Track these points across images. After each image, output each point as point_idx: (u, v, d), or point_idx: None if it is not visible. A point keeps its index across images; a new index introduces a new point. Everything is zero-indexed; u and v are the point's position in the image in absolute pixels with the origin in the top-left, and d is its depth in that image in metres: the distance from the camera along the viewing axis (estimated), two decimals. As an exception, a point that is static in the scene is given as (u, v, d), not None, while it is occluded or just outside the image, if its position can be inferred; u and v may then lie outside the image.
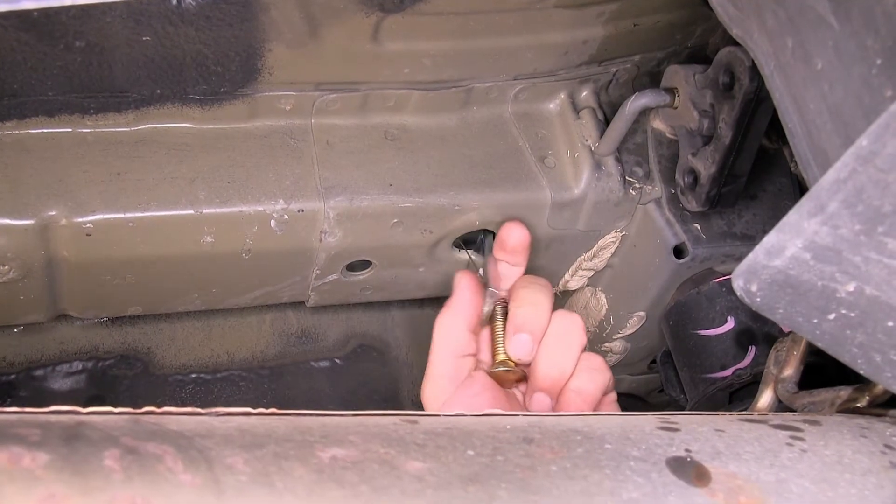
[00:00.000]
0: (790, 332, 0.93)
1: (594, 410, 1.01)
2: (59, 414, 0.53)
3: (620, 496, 0.58)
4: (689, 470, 0.62)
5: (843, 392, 0.82)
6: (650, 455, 0.62)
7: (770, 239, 0.61)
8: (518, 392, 1.07)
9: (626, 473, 0.60)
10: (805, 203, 0.59)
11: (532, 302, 1.03)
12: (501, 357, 1.03)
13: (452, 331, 1.04)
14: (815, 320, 0.63)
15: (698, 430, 0.66)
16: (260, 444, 0.54)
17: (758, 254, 0.61)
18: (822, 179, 0.58)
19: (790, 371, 0.91)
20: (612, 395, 1.04)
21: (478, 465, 0.57)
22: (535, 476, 0.58)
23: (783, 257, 0.60)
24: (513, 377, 1.04)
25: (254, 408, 1.20)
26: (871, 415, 0.76)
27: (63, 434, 0.50)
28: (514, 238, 1.06)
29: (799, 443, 0.66)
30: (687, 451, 0.63)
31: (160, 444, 0.51)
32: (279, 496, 0.51)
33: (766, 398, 0.91)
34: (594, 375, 1.00)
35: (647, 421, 0.67)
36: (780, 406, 0.91)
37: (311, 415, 0.60)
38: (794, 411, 0.87)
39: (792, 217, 0.59)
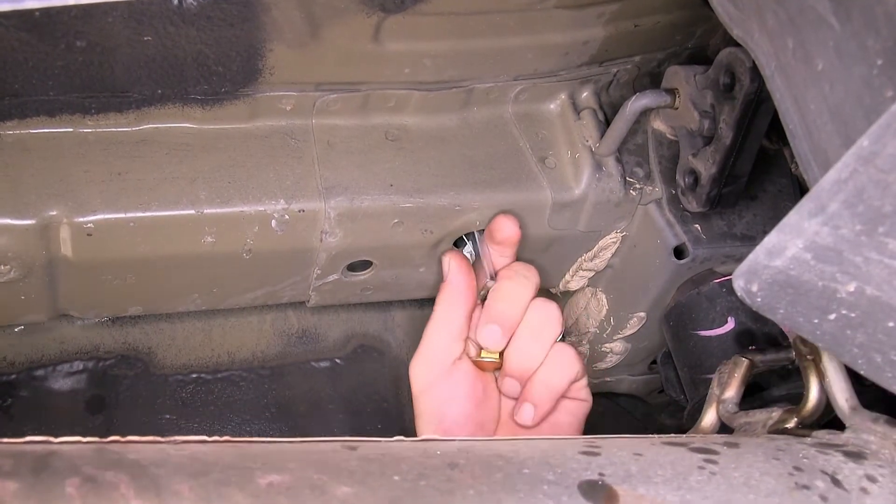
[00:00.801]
0: (734, 355, 0.96)
1: (561, 398, 1.07)
2: (34, 444, 0.57)
3: None
4: (600, 493, 0.64)
5: (776, 413, 0.85)
6: (564, 479, 0.64)
7: (771, 239, 0.61)
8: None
9: (539, 497, 0.62)
10: (806, 203, 0.59)
11: (508, 297, 1.07)
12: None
13: (452, 313, 1.09)
14: (816, 320, 0.64)
15: (617, 454, 0.68)
16: (206, 471, 0.57)
17: (758, 254, 0.62)
18: (823, 180, 0.58)
19: (731, 392, 0.94)
20: (581, 382, 1.08)
21: (401, 490, 0.60)
22: (452, 500, 0.60)
23: (784, 257, 0.61)
24: (493, 366, 1.09)
25: (254, 409, 1.21)
26: (796, 435, 0.78)
27: (32, 464, 0.54)
28: (504, 233, 1.08)
29: (710, 465, 0.68)
30: (600, 474, 0.65)
31: (117, 473, 0.55)
32: None
33: (709, 418, 0.95)
34: (563, 368, 1.06)
35: (571, 445, 0.70)
36: (723, 426, 0.93)
37: (260, 442, 0.63)
38: (732, 431, 0.89)
39: (792, 217, 0.60)
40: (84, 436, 1.15)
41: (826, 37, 0.67)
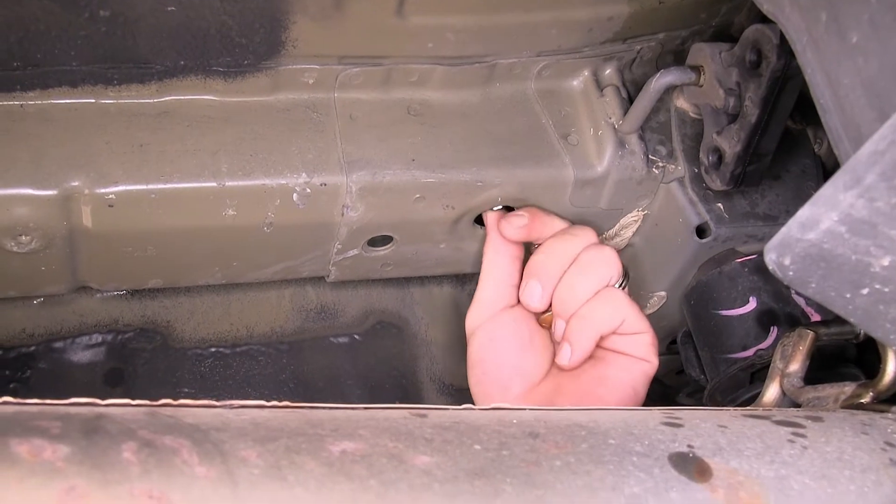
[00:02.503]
0: (797, 327, 0.94)
1: (603, 343, 1.05)
2: (79, 406, 0.54)
3: (623, 491, 0.59)
4: (691, 465, 0.62)
5: (848, 388, 0.83)
6: (653, 450, 0.63)
7: (804, 212, 0.60)
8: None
9: (629, 469, 0.61)
10: (841, 176, 0.58)
11: (550, 251, 1.07)
12: None
13: (497, 260, 1.10)
14: (848, 295, 0.63)
15: (701, 426, 0.67)
16: (273, 437, 0.55)
17: (791, 227, 0.61)
18: (860, 152, 0.57)
19: (796, 366, 0.92)
20: (641, 339, 1.05)
21: (484, 460, 0.58)
22: (539, 471, 0.59)
23: (817, 230, 0.60)
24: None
25: (273, 383, 1.21)
26: (874, 411, 0.77)
27: (83, 427, 0.52)
28: (509, 234, 1.10)
29: (800, 439, 0.67)
30: (689, 446, 0.64)
31: (176, 438, 0.53)
32: (290, 489, 0.52)
33: (771, 392, 0.93)
34: (605, 307, 1.03)
35: (651, 416, 0.68)
36: (786, 400, 0.91)
37: (322, 408, 0.61)
38: (800, 406, 0.88)
39: (827, 190, 0.59)
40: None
41: (860, 9, 0.66)
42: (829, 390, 0.85)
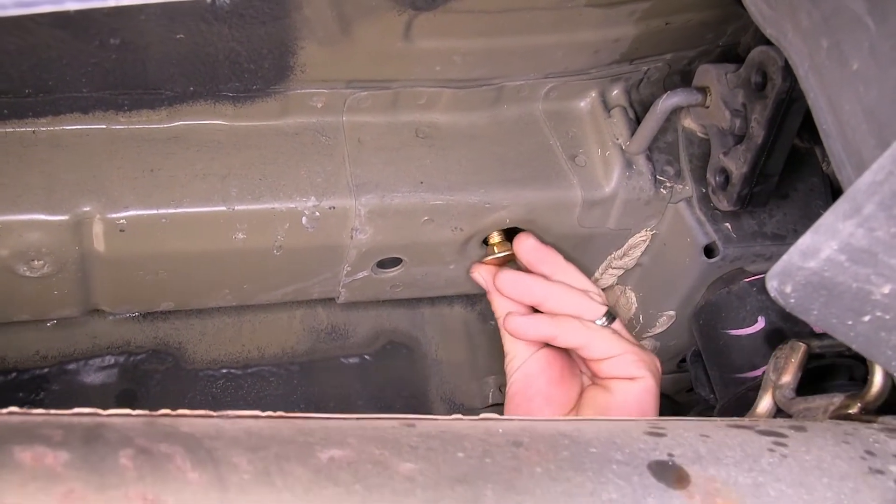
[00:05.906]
0: (789, 339, 0.94)
1: (598, 372, 1.10)
2: (82, 416, 0.57)
3: (600, 497, 0.61)
4: (670, 473, 0.64)
5: (837, 399, 0.84)
6: (633, 459, 0.64)
7: (805, 240, 0.60)
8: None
9: (608, 476, 0.62)
10: (841, 205, 0.59)
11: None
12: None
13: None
14: (850, 322, 0.63)
15: (683, 436, 0.68)
16: (264, 445, 0.57)
17: (792, 255, 0.61)
18: (859, 181, 0.57)
19: (788, 377, 0.93)
20: (627, 357, 1.08)
21: (466, 467, 0.60)
22: (520, 477, 0.60)
23: (818, 259, 0.60)
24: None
25: (284, 404, 1.21)
26: (860, 421, 0.77)
27: (83, 435, 0.54)
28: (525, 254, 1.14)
29: (780, 448, 0.68)
30: (669, 455, 0.65)
31: (171, 445, 0.55)
32: (278, 494, 0.55)
33: (764, 404, 0.94)
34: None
35: (635, 426, 0.69)
36: (780, 412, 0.92)
37: (315, 418, 0.63)
38: (791, 417, 0.88)
39: (827, 219, 0.59)
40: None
41: (861, 37, 0.67)
42: (819, 401, 0.86)
